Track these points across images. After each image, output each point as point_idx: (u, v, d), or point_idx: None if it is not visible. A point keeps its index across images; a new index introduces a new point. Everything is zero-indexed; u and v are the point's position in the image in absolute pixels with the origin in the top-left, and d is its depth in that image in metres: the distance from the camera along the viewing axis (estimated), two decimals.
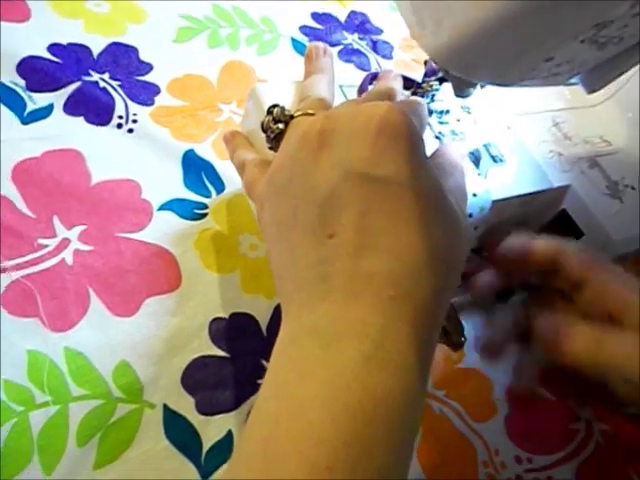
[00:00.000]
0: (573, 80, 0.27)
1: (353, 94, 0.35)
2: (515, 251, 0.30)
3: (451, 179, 0.26)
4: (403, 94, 0.35)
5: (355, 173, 0.23)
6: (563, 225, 0.36)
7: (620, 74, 0.26)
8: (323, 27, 0.53)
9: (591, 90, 0.27)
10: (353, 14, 0.55)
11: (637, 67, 0.43)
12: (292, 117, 0.28)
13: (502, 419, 0.35)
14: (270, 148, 0.29)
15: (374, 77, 0.35)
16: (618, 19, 0.21)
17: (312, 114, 0.27)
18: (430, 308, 0.22)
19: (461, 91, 0.28)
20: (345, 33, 0.53)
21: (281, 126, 0.28)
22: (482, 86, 0.31)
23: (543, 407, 0.36)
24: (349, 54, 0.51)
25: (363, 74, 0.49)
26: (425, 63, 0.34)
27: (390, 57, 0.53)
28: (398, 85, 0.32)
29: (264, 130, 0.29)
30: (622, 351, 0.26)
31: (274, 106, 0.29)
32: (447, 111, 0.35)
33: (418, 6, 0.26)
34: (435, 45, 0.26)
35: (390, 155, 0.23)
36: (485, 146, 0.35)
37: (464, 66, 0.26)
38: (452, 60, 0.26)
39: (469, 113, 0.36)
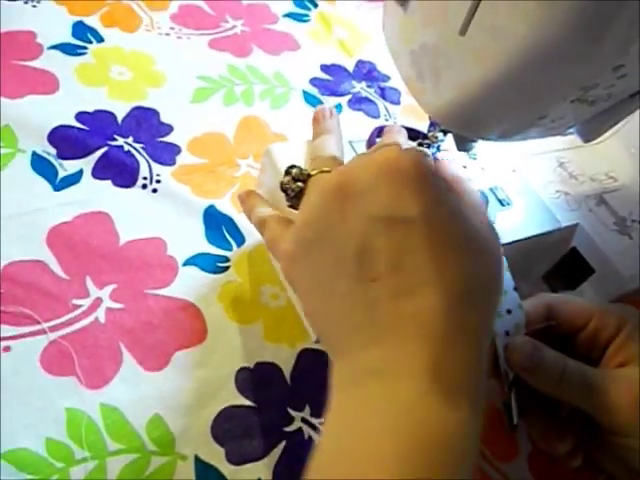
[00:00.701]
0: (570, 131, 0.28)
1: (362, 148, 0.37)
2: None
3: (464, 196, 0.28)
4: (409, 145, 0.37)
5: (380, 218, 0.24)
6: (574, 263, 0.37)
7: (614, 124, 0.27)
8: (332, 78, 0.55)
9: (586, 140, 0.28)
10: (361, 63, 0.58)
11: None
12: (309, 175, 0.30)
13: (525, 458, 0.35)
14: (290, 206, 0.30)
15: (381, 130, 0.36)
16: (603, 82, 0.22)
17: (328, 171, 0.29)
18: (477, 335, 0.24)
19: (463, 146, 0.30)
20: (354, 82, 0.56)
21: (300, 185, 0.29)
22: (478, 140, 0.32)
23: None
24: (358, 102, 0.54)
25: (372, 121, 0.51)
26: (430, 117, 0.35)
27: (398, 102, 0.55)
28: (403, 138, 0.34)
29: (283, 190, 0.30)
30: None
31: (292, 167, 0.30)
32: (453, 160, 0.36)
33: (417, 58, 0.28)
34: (435, 105, 0.28)
35: (408, 195, 0.25)
36: (491, 190, 0.36)
37: (463, 125, 0.28)
38: (452, 120, 0.28)
39: (475, 159, 0.38)
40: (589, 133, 0.28)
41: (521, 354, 0.30)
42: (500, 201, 0.36)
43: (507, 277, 0.31)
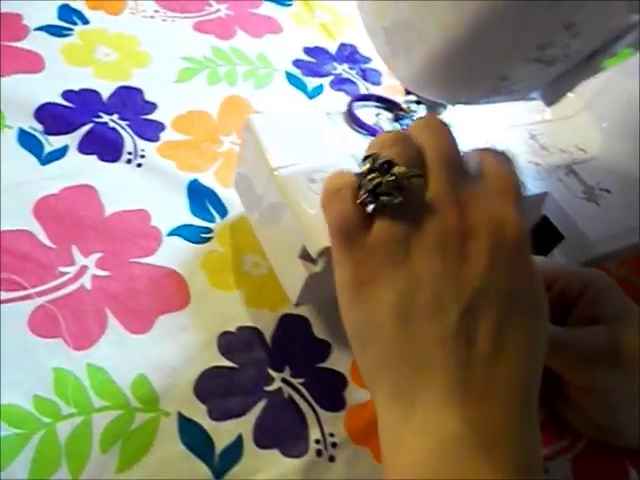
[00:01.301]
0: (533, 95, 0.30)
1: (339, 120, 0.38)
2: None
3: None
4: (388, 118, 0.38)
5: (495, 288, 0.24)
6: (545, 230, 0.39)
7: (574, 86, 0.29)
8: (315, 60, 0.56)
9: (549, 103, 0.29)
10: (343, 46, 0.59)
11: (609, 77, 0.46)
12: (410, 179, 0.25)
13: None
14: (372, 207, 0.25)
15: (361, 99, 0.38)
16: (557, 40, 0.24)
17: (420, 175, 0.26)
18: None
19: (433, 111, 0.31)
20: (335, 64, 0.57)
21: (396, 196, 0.25)
22: (453, 105, 0.34)
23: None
24: (340, 83, 0.55)
25: None
26: (406, 90, 0.37)
27: (379, 83, 0.56)
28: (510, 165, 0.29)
29: (374, 193, 0.25)
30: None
31: (392, 165, 0.25)
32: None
33: (390, 35, 0.29)
34: (407, 73, 0.30)
35: (520, 270, 0.25)
36: None
37: (432, 90, 0.30)
38: (421, 85, 0.30)
39: None
40: (551, 96, 0.29)
41: None
42: None
43: None
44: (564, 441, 0.37)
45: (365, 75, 0.57)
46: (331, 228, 0.26)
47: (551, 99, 0.29)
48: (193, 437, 0.31)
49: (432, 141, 0.27)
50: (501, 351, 0.23)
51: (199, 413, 0.32)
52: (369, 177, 0.25)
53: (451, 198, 0.25)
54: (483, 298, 0.24)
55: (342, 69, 0.56)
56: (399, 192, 0.25)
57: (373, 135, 0.36)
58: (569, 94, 0.31)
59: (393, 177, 0.25)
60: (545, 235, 0.39)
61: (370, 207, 0.25)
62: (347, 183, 0.26)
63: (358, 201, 0.25)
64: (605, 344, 0.31)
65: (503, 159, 0.29)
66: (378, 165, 0.25)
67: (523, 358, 0.24)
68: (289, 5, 0.61)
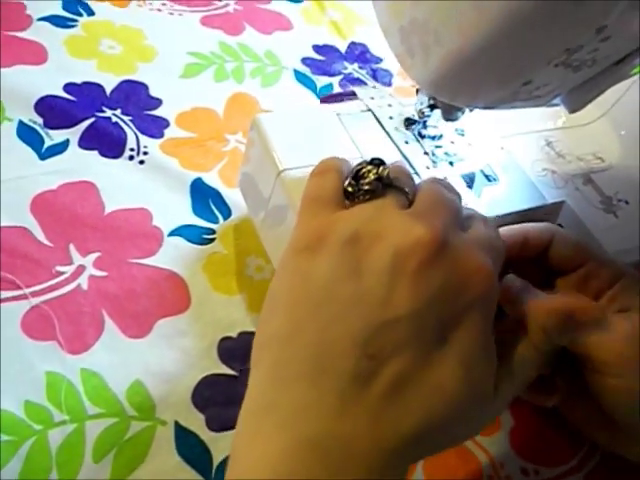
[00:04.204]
0: (555, 101, 0.28)
1: (351, 122, 0.36)
2: (511, 237, 0.30)
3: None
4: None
5: (428, 328, 0.22)
6: None
7: (599, 93, 0.28)
8: (324, 58, 0.55)
9: (572, 110, 0.28)
10: (353, 45, 0.58)
11: (628, 85, 0.45)
12: (393, 186, 0.26)
13: (507, 432, 0.35)
14: (349, 195, 0.26)
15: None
16: (587, 44, 0.22)
17: (405, 192, 0.26)
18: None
19: (450, 115, 0.30)
20: (345, 63, 0.55)
21: (378, 188, 0.25)
22: (471, 110, 0.32)
23: (547, 419, 0.36)
24: (350, 83, 0.53)
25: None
26: (417, 92, 0.35)
27: (390, 84, 0.55)
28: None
29: (357, 177, 0.26)
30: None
31: (382, 162, 0.26)
32: (440, 136, 0.36)
33: (407, 35, 0.28)
34: (424, 75, 0.28)
35: (470, 325, 0.23)
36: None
37: (451, 93, 0.28)
38: (440, 88, 0.28)
39: (462, 135, 0.37)
40: (574, 103, 0.28)
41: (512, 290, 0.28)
42: (487, 177, 0.36)
43: None
44: (576, 458, 0.36)
45: (376, 75, 0.55)
46: (304, 195, 0.26)
47: (574, 106, 0.28)
48: (190, 448, 0.30)
49: (434, 188, 0.27)
50: (400, 394, 0.21)
51: (197, 423, 0.31)
52: (359, 167, 0.26)
53: (432, 221, 0.24)
54: (409, 329, 0.22)
55: (352, 68, 0.55)
56: (381, 187, 0.25)
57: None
58: None
59: (381, 169, 0.25)
60: None
61: (349, 188, 0.26)
62: (336, 166, 0.27)
63: (343, 184, 0.26)
64: (636, 327, 0.29)
65: (488, 225, 0.28)
66: (371, 160, 0.26)
67: (426, 411, 0.22)
68: (299, 2, 0.60)
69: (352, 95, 0.38)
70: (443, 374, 0.22)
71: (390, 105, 0.38)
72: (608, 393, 0.29)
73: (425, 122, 0.36)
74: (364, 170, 0.26)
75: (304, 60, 0.54)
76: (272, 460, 0.20)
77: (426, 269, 0.22)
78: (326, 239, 0.23)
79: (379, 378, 0.21)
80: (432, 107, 0.35)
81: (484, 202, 0.34)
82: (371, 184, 0.25)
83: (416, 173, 0.34)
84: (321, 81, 0.52)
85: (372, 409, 0.21)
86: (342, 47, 0.57)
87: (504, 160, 0.38)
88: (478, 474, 0.34)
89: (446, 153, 0.36)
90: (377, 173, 0.25)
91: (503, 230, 0.30)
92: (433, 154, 0.35)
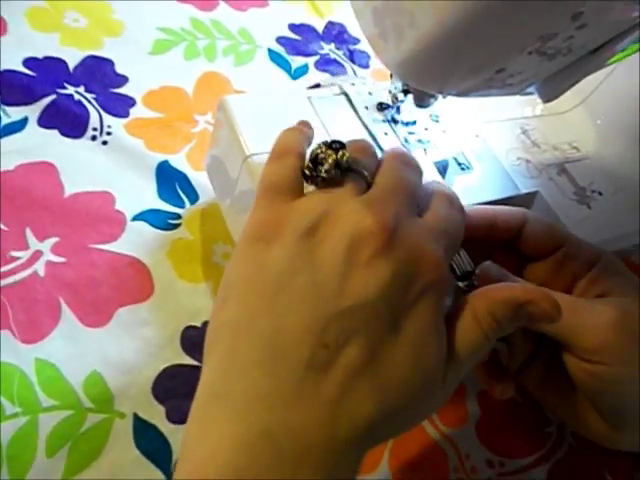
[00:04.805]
0: (529, 90, 0.27)
1: (322, 106, 0.35)
2: (479, 218, 0.30)
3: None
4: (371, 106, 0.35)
5: (382, 315, 0.22)
6: None
7: (574, 83, 0.27)
8: (300, 37, 0.53)
9: (546, 100, 0.27)
10: (331, 24, 0.56)
11: (607, 73, 0.44)
12: (352, 170, 0.26)
13: (473, 424, 0.35)
14: (307, 178, 0.26)
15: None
16: (562, 31, 0.21)
17: (365, 175, 0.26)
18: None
19: (421, 101, 0.29)
20: (322, 43, 0.54)
21: (337, 173, 0.25)
22: (444, 96, 0.31)
23: (514, 411, 0.36)
24: (326, 64, 0.52)
25: None
26: (391, 76, 0.34)
27: (367, 66, 0.54)
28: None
29: (314, 160, 0.26)
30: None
31: (339, 144, 0.26)
32: (414, 122, 0.35)
33: (380, 17, 0.27)
34: (396, 59, 0.27)
35: (418, 311, 0.23)
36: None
37: (423, 79, 0.27)
38: (411, 74, 0.27)
39: (437, 122, 0.37)
40: (548, 92, 0.27)
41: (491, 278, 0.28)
42: (460, 165, 0.35)
43: None
44: (541, 451, 0.36)
45: (353, 57, 0.54)
46: (260, 182, 0.26)
47: (549, 95, 0.27)
48: (149, 441, 0.29)
49: (394, 167, 0.27)
50: (354, 384, 0.21)
51: (157, 415, 0.30)
52: (318, 150, 0.26)
53: (383, 209, 0.24)
54: (362, 317, 0.22)
55: (329, 49, 0.54)
56: (339, 172, 0.25)
57: None
58: None
59: (340, 155, 0.25)
60: None
61: (307, 172, 0.26)
62: (295, 149, 0.27)
63: (302, 169, 0.26)
64: (620, 314, 0.29)
65: (451, 203, 0.27)
66: (330, 142, 0.26)
67: (380, 399, 0.22)
68: None
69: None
70: (395, 362, 0.22)
71: (370, 94, 0.36)
72: (589, 380, 0.29)
73: (399, 107, 0.35)
74: (323, 155, 0.25)
75: (279, 39, 0.52)
76: (224, 452, 0.20)
77: (377, 259, 0.22)
78: (281, 230, 0.23)
79: (334, 367, 0.21)
80: (406, 92, 0.34)
81: (456, 191, 0.33)
82: (329, 172, 0.25)
83: None
84: (296, 62, 0.51)
85: (327, 399, 0.21)
86: (319, 26, 0.55)
87: (478, 148, 0.37)
88: (444, 465, 0.34)
89: (419, 140, 0.35)
90: (336, 159, 0.25)
91: (472, 210, 0.30)
92: (406, 140, 0.34)
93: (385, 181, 0.26)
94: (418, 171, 0.28)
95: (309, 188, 0.26)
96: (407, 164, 0.27)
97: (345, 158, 0.25)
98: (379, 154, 0.28)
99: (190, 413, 0.22)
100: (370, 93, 0.36)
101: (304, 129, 0.29)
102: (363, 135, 0.34)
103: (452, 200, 0.28)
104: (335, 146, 0.26)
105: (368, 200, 0.24)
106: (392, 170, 0.26)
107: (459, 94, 0.27)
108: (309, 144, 0.28)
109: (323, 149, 0.26)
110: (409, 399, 0.22)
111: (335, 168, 0.25)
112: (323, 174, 0.25)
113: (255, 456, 0.20)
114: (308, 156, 0.26)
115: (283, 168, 0.26)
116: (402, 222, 0.24)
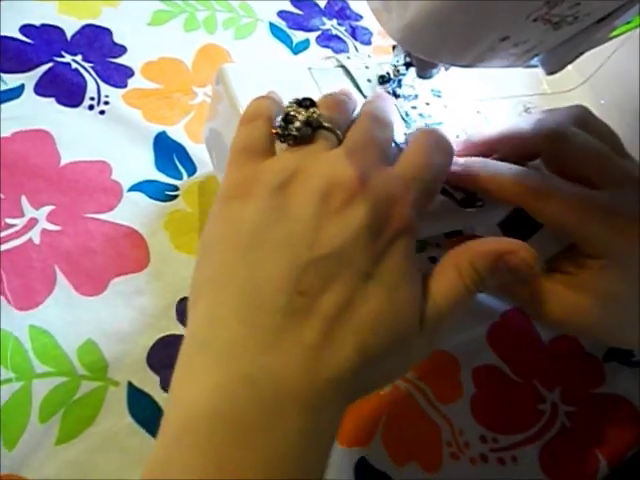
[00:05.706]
0: (533, 62, 0.27)
1: (323, 77, 0.35)
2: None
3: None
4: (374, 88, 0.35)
5: (355, 262, 0.23)
6: (525, 215, 0.36)
7: (579, 55, 0.26)
8: (302, 12, 0.53)
9: (550, 72, 0.27)
10: (333, 0, 0.55)
11: (611, 51, 0.44)
12: (323, 127, 0.26)
13: (468, 400, 0.35)
14: (280, 139, 0.26)
15: None
16: None
17: (336, 132, 0.26)
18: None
19: (424, 72, 0.29)
20: (324, 19, 0.53)
21: (308, 130, 0.26)
22: (446, 68, 0.31)
23: (509, 388, 0.36)
24: (327, 40, 0.51)
25: None
26: (393, 48, 0.34)
27: (369, 43, 0.53)
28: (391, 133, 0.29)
29: (285, 119, 0.26)
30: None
31: (309, 101, 0.27)
32: (416, 96, 0.35)
33: None
34: (399, 28, 0.27)
35: (391, 256, 0.23)
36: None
37: (426, 48, 0.27)
38: (415, 42, 0.27)
39: (439, 97, 0.36)
40: (552, 64, 0.26)
41: None
42: None
43: None
44: (534, 428, 0.36)
45: (355, 33, 0.53)
46: (232, 146, 0.27)
47: (552, 67, 0.27)
48: (143, 409, 0.29)
49: (364, 123, 0.27)
50: (332, 329, 0.22)
51: (151, 384, 0.30)
52: (289, 108, 0.26)
53: (353, 161, 0.24)
54: (337, 264, 0.22)
55: (331, 24, 0.53)
56: (310, 129, 0.25)
57: None
58: (569, 67, 0.29)
59: (311, 112, 0.26)
60: (525, 221, 0.36)
61: (279, 130, 0.26)
62: (266, 111, 0.27)
63: (273, 129, 0.26)
64: (610, 204, 0.28)
65: (433, 144, 0.27)
66: (301, 100, 0.26)
67: (358, 342, 0.22)
68: None
69: None
70: (371, 307, 0.22)
71: (367, 67, 0.36)
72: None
73: (400, 80, 0.34)
74: (293, 113, 0.26)
75: (280, 13, 0.51)
76: (207, 398, 0.20)
77: (348, 207, 0.23)
78: (254, 188, 0.24)
79: (312, 314, 0.22)
80: (408, 65, 0.33)
81: None
82: (299, 129, 0.25)
83: None
84: (297, 36, 0.50)
85: (306, 344, 0.21)
86: (321, 2, 0.55)
87: (479, 125, 0.36)
88: (437, 440, 0.34)
89: (421, 115, 0.34)
90: (306, 116, 0.25)
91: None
92: (407, 114, 0.34)
93: (354, 136, 0.26)
94: (390, 127, 0.28)
95: (282, 148, 0.26)
96: (378, 120, 0.28)
97: (315, 115, 0.26)
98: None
99: (176, 364, 0.22)
100: (367, 67, 0.36)
101: (274, 96, 0.29)
102: None
103: (435, 141, 0.27)
104: (306, 104, 0.26)
105: (338, 153, 0.25)
106: (363, 126, 0.27)
107: (462, 64, 0.27)
108: (280, 109, 0.28)
109: (294, 107, 0.26)
110: (388, 343, 0.23)
111: (306, 126, 0.25)
112: (294, 132, 0.25)
113: (237, 401, 0.20)
114: (280, 116, 0.26)
115: (253, 130, 0.26)
116: (371, 172, 0.24)
